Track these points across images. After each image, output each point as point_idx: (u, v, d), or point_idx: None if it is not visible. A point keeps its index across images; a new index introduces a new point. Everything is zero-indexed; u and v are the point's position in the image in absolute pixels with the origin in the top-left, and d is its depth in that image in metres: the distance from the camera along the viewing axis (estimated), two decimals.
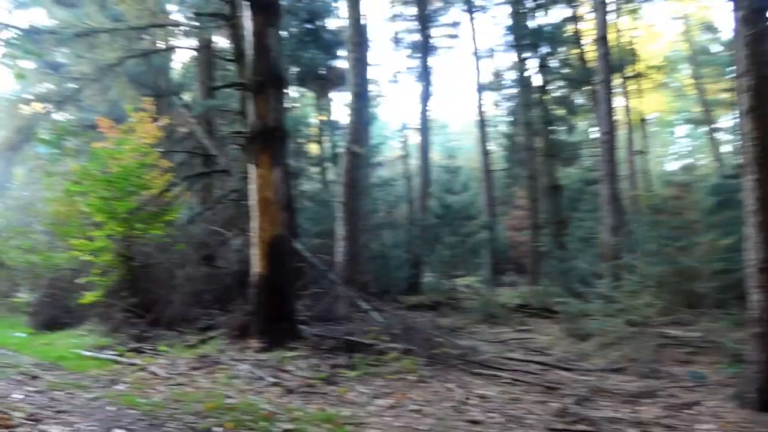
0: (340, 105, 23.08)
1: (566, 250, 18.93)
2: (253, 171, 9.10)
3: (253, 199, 9.13)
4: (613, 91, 17.04)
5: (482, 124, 22.43)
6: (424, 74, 18.64)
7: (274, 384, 7.13)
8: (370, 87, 19.19)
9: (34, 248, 14.45)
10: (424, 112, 18.73)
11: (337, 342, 8.93)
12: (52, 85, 17.33)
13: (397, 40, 26.40)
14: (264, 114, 8.97)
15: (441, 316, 13.87)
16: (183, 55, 26.28)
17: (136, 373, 7.89)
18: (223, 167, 14.86)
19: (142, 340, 9.70)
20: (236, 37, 12.80)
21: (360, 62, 12.86)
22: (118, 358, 8.61)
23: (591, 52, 24.12)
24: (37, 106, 16.70)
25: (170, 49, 20.23)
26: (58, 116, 17.58)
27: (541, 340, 11.38)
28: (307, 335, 9.33)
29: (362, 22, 13.02)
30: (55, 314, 11.32)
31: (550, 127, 21.66)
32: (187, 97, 20.60)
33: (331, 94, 21.95)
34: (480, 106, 22.61)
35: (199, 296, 10.86)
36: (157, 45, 19.10)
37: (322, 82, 20.16)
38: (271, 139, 8.98)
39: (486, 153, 21.96)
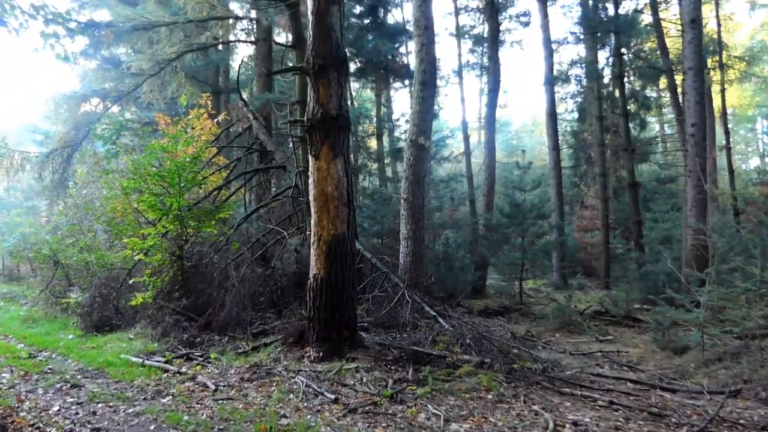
0: (402, 98, 22.23)
1: (644, 252, 17.64)
2: (312, 163, 8.32)
3: (311, 194, 8.36)
4: (703, 79, 15.65)
5: (552, 117, 21.22)
6: (493, 66, 17.59)
7: (334, 401, 6.32)
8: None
9: (89, 247, 14.14)
10: (491, 105, 17.70)
11: (402, 352, 8.06)
12: (111, 82, 17.09)
13: (460, 34, 25.47)
14: (324, 100, 8.18)
15: (510, 322, 12.82)
16: (242, 51, 26.19)
17: (184, 383, 7.24)
18: (280, 163, 14.24)
19: (192, 346, 9.06)
20: (295, 22, 12.14)
21: (427, 47, 11.94)
22: (166, 366, 7.97)
23: (673, 40, 22.78)
24: (96, 103, 16.48)
25: (229, 42, 19.85)
26: (116, 113, 17.36)
27: (629, 352, 10.22)
28: (369, 344, 8.50)
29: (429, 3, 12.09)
30: (106, 316, 10.82)
31: (626, 122, 20.25)
32: (245, 94, 20.16)
33: (393, 86, 21.08)
34: (551, 98, 21.41)
35: (253, 299, 10.17)
36: (216, 39, 18.71)
37: (384, 73, 19.34)
38: (332, 127, 8.18)
39: (556, 148, 20.77)
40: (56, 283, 13.97)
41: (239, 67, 15.88)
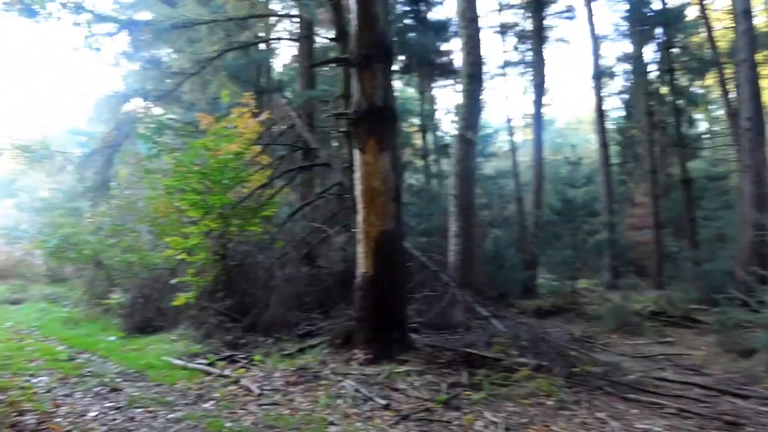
0: (446, 94, 21.75)
1: (698, 250, 16.89)
2: (358, 157, 7.95)
3: (358, 190, 7.98)
4: (757, 71, 14.89)
5: (600, 113, 20.51)
6: (538, 61, 17.02)
7: (385, 407, 5.93)
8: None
9: (132, 247, 14.03)
10: (537, 101, 17.15)
11: (455, 355, 7.62)
12: (152, 82, 17.00)
13: (503, 31, 24.87)
14: (370, 92, 7.79)
15: (564, 323, 12.27)
16: (283, 51, 26.03)
17: (227, 387, 6.93)
18: (324, 160, 13.93)
19: (236, 348, 8.75)
20: (338, 15, 11.79)
21: (473, 39, 11.47)
22: (209, 369, 7.68)
23: (720, 33, 21.91)
24: (137, 103, 16.40)
25: (270, 40, 19.67)
26: (158, 112, 17.29)
27: (691, 355, 9.61)
28: (420, 346, 8.08)
29: None
30: (148, 317, 10.61)
31: (677, 117, 19.46)
32: (287, 93, 19.96)
33: (437, 83, 20.64)
34: (598, 94, 20.71)
35: (298, 299, 9.84)
36: (257, 37, 18.54)
37: (428, 69, 18.93)
38: (379, 120, 7.79)
39: (605, 145, 20.04)
40: (98, 284, 13.89)
41: (283, 67, 15.75)
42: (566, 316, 13.29)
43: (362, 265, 7.89)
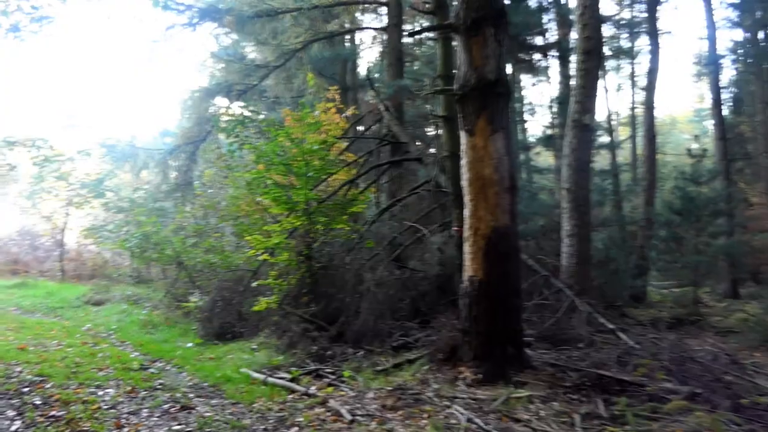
0: (552, 77, 20.14)
1: None
2: (464, 141, 6.75)
3: (464, 180, 6.78)
4: None
5: (717, 102, 18.45)
6: (653, 45, 15.26)
7: None
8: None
9: (214, 248, 13.35)
10: (650, 88, 15.42)
11: (583, 377, 6.29)
12: (236, 75, 16.43)
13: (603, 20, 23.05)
14: (479, 62, 6.58)
15: (689, 337, 10.62)
16: (369, 54, 25.23)
17: (312, 409, 5.87)
18: (415, 155, 12.83)
19: (322, 360, 7.71)
20: None
21: (590, 10, 10.03)
22: (292, 385, 6.65)
23: None
24: (220, 97, 15.86)
25: (357, 29, 18.77)
26: (241, 109, 16.67)
27: None
28: (538, 364, 6.79)
29: None
30: (228, 322, 9.75)
31: None
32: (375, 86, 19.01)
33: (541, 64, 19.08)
34: (715, 82, 18.65)
35: (391, 306, 8.72)
36: (343, 27, 17.72)
37: (534, 50, 17.49)
38: (490, 95, 6.56)
39: (722, 138, 17.99)
40: (179, 285, 13.25)
41: (369, 64, 14.80)
42: (688, 329, 11.57)
43: (470, 268, 6.67)
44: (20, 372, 7.14)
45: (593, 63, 10.07)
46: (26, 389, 6.43)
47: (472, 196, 6.64)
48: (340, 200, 9.80)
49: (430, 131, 20.94)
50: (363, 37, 23.69)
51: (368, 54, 25.69)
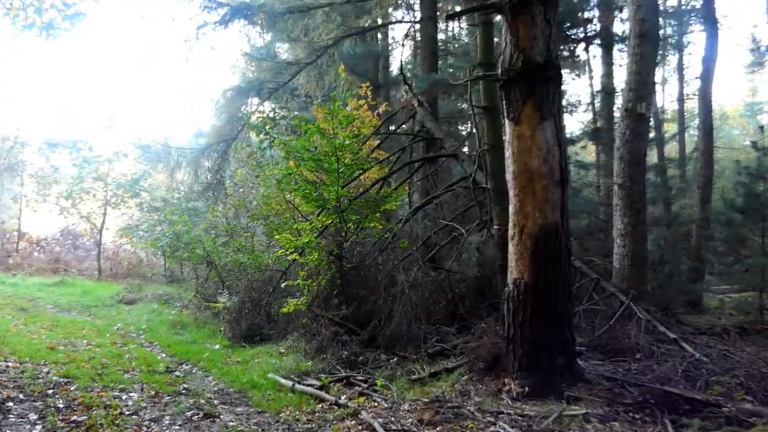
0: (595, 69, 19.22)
1: None
2: (509, 131, 6.16)
3: (509, 173, 6.19)
4: None
5: None
6: (710, 30, 14.30)
7: None
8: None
9: (244, 247, 12.99)
10: (706, 77, 14.44)
11: (645, 393, 5.63)
12: (267, 73, 16.07)
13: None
14: (527, 44, 5.98)
15: (752, 347, 9.78)
16: (398, 53, 24.70)
17: (343, 421, 5.38)
18: (450, 151, 12.24)
19: (353, 366, 7.22)
20: None
21: None
22: (321, 394, 6.16)
23: None
24: (252, 95, 15.51)
25: (389, 23, 18.25)
26: (273, 106, 16.34)
27: None
28: (592, 377, 6.16)
29: None
30: (256, 324, 9.30)
31: None
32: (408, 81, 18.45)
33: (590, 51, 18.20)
34: None
35: (426, 310, 8.15)
36: (375, 23, 17.21)
37: (576, 42, 16.68)
38: (538, 79, 5.97)
39: None
40: (209, 285, 12.90)
41: (401, 63, 14.25)
42: (753, 339, 10.71)
43: (515, 270, 6.09)
44: (47, 373, 6.93)
45: (648, 47, 9.32)
46: (51, 391, 6.18)
47: (518, 190, 6.05)
48: (372, 197, 9.25)
49: (463, 130, 20.28)
50: (395, 35, 23.21)
51: (400, 52, 25.22)
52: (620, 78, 15.70)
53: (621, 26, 17.39)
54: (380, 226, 9.23)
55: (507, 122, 6.19)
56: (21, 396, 5.83)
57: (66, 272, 19.74)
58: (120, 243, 21.65)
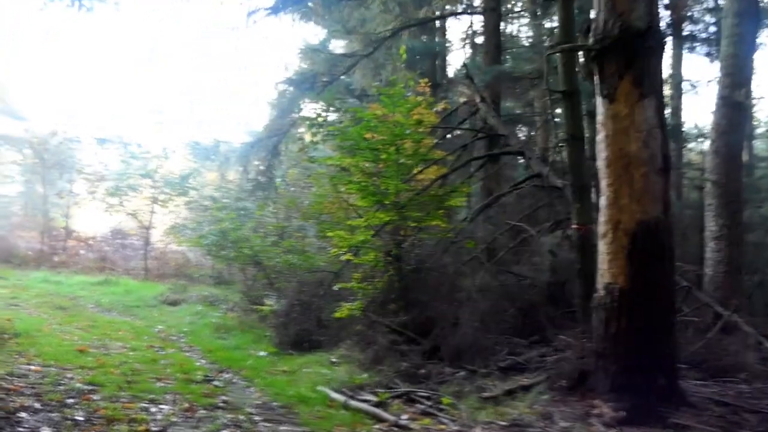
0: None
1: None
2: (603, 109, 5.27)
3: (601, 159, 5.30)
4: None
5: None
6: None
7: None
8: None
9: (294, 248, 12.32)
10: None
11: (766, 421, 4.68)
12: (321, 66, 15.42)
13: None
14: (624, 7, 5.09)
15: None
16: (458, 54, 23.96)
17: None
18: (515, 148, 11.37)
19: (414, 380, 6.39)
20: None
21: None
22: (379, 412, 5.36)
23: None
24: (305, 88, 14.84)
25: (450, 15, 17.47)
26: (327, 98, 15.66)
27: None
28: (697, 400, 5.20)
29: None
30: (305, 329, 8.53)
31: None
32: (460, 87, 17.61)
33: None
34: None
35: (496, 318, 7.28)
36: (435, 14, 16.45)
37: None
38: (639, 50, 5.07)
39: None
40: (256, 287, 12.24)
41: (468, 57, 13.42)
42: None
43: (607, 274, 5.19)
44: (71, 379, 6.29)
45: (747, 27, 8.28)
46: (71, 400, 5.51)
47: (612, 179, 5.16)
48: (435, 192, 8.40)
49: (520, 134, 19.26)
50: (452, 36, 22.41)
51: (460, 48, 24.44)
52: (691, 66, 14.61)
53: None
54: (443, 225, 8.36)
55: (599, 101, 5.30)
56: (37, 405, 5.18)
57: (112, 271, 19.47)
58: (167, 242, 21.31)
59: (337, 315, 7.73)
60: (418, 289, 7.94)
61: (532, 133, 17.67)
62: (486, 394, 5.70)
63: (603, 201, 5.27)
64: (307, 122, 11.04)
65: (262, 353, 8.38)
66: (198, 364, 7.78)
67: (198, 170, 20.86)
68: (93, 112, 35.58)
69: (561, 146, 8.08)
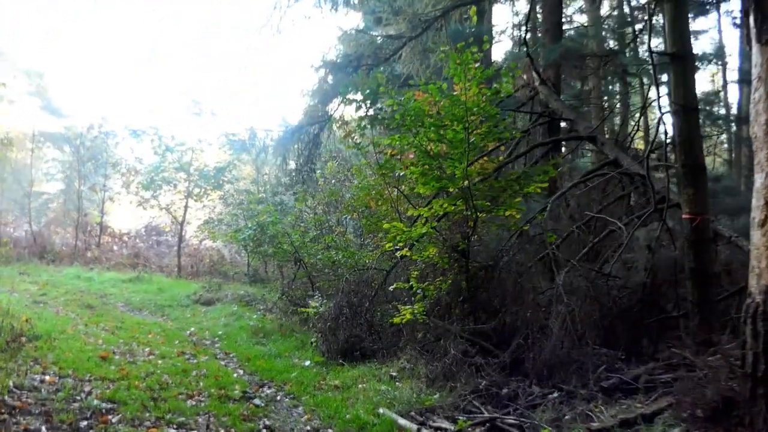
0: None
1: None
2: (759, 58, 4.04)
3: (759, 123, 4.06)
4: None
5: None
6: None
7: None
8: None
9: (336, 244, 11.28)
10: None
11: None
12: (366, 48, 14.36)
13: None
14: None
15: None
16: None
17: None
18: (584, 133, 10.16)
19: (497, 402, 5.24)
20: None
21: None
22: None
23: None
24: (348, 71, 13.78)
25: None
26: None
27: None
28: None
29: None
30: (356, 336, 7.37)
31: None
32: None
33: None
34: None
35: (592, 327, 6.05)
36: None
37: None
38: None
39: None
40: (296, 286, 11.17)
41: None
42: None
43: (766, 273, 3.95)
44: (88, 393, 5.35)
45: None
46: (85, 423, 4.61)
47: None
48: (512, 176, 7.16)
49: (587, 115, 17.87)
50: (497, 20, 21.17)
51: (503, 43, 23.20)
52: None
53: None
54: (518, 216, 7.13)
55: (757, 49, 4.07)
56: (44, 429, 4.23)
57: (144, 268, 18.68)
58: (202, 238, 20.45)
59: (396, 320, 6.59)
60: (491, 290, 6.75)
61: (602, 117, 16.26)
62: (595, 425, 4.52)
63: (759, 181, 4.04)
64: (356, 102, 9.90)
65: (307, 363, 7.29)
66: (235, 375, 6.76)
67: (233, 163, 19.88)
68: (128, 105, 35.13)
69: (635, 130, 6.80)
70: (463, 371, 5.72)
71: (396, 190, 9.23)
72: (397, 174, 8.51)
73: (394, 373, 6.24)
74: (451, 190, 6.98)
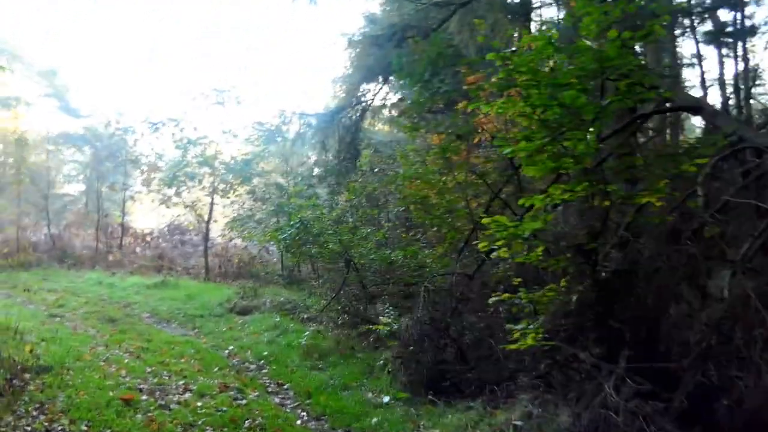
0: None
1: None
2: None
3: None
4: None
5: None
6: None
7: None
8: None
9: (386, 241, 9.70)
10: None
11: None
12: (410, 19, 12.74)
13: None
14: None
15: None
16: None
17: None
18: (690, 103, 8.43)
19: None
20: None
21: None
22: None
23: None
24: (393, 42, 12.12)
25: None
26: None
27: None
28: None
29: None
30: (446, 363, 5.71)
31: None
32: None
33: None
34: None
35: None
36: None
37: None
38: None
39: None
40: (352, 294, 9.50)
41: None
42: None
43: None
44: None
45: None
46: None
47: None
48: (658, 150, 5.42)
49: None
50: None
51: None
52: None
53: None
54: (658, 204, 5.33)
55: None
56: None
57: (170, 270, 17.26)
58: (230, 237, 18.90)
59: (513, 347, 4.88)
60: (636, 306, 5.01)
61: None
62: None
63: None
64: (408, 77, 8.24)
65: (386, 399, 5.64)
66: (298, 422, 5.13)
67: (261, 155, 18.20)
68: (145, 100, 33.80)
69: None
70: (627, 424, 4.02)
71: (472, 174, 7.54)
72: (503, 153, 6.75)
73: (518, 422, 4.54)
74: (570, 172, 5.26)
